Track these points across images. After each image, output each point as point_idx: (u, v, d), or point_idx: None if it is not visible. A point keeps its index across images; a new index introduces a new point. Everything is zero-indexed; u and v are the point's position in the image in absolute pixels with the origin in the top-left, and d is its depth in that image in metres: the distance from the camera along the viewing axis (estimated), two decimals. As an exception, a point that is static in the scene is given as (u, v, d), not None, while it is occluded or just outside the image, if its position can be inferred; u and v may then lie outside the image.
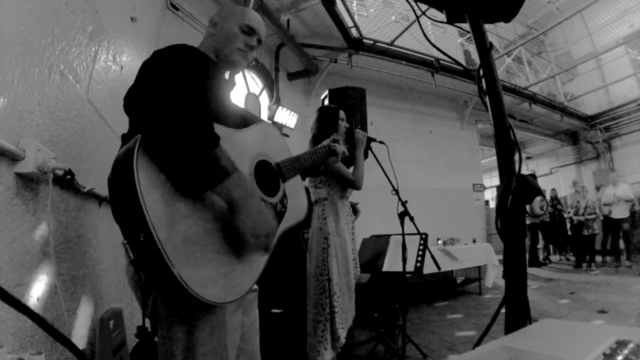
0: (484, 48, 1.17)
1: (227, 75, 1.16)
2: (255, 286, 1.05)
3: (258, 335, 1.14)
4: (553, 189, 7.95)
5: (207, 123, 0.82)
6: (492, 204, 8.74)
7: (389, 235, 3.08)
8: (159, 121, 0.77)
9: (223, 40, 1.11)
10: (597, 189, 7.37)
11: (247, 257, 0.92)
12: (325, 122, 2.04)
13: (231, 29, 1.11)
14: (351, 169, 2.08)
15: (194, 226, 0.81)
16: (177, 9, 3.10)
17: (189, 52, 0.95)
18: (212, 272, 0.81)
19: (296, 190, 1.19)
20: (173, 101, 0.78)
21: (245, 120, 1.13)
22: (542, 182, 7.71)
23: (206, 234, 0.83)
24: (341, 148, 1.52)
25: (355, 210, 2.37)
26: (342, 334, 1.90)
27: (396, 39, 5.25)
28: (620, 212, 6.55)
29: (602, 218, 6.80)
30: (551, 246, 8.29)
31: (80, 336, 1.22)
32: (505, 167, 1.11)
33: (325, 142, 1.52)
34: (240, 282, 0.88)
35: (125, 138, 0.91)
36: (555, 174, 9.98)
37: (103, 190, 1.40)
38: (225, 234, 0.88)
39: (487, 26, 1.23)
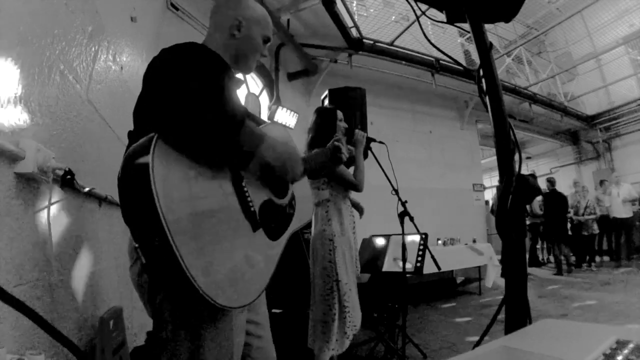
0: (484, 48, 1.17)
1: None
2: None
3: (270, 335, 1.14)
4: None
5: (231, 108, 0.83)
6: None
7: (389, 235, 3.08)
8: (184, 117, 0.76)
9: (249, 49, 1.10)
10: (601, 183, 7.35)
11: (261, 258, 0.92)
12: (323, 124, 2.04)
13: (257, 39, 1.11)
14: (351, 170, 2.08)
15: (211, 229, 0.80)
16: (177, 9, 3.10)
17: (199, 49, 0.95)
18: (227, 276, 0.81)
19: (303, 192, 1.19)
20: (195, 96, 0.77)
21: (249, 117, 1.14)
22: (542, 182, 7.70)
23: (223, 236, 0.82)
24: (345, 153, 1.50)
25: (358, 208, 2.38)
26: (351, 332, 1.92)
27: (396, 39, 5.25)
28: (625, 212, 6.55)
29: (599, 217, 6.80)
30: (549, 246, 8.29)
31: (80, 336, 1.22)
32: (505, 167, 1.12)
33: (329, 146, 1.50)
34: (253, 285, 0.88)
35: (132, 136, 0.91)
36: (555, 174, 9.97)
37: (103, 190, 1.40)
38: (243, 234, 0.88)
39: (487, 26, 1.24)
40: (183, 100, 0.77)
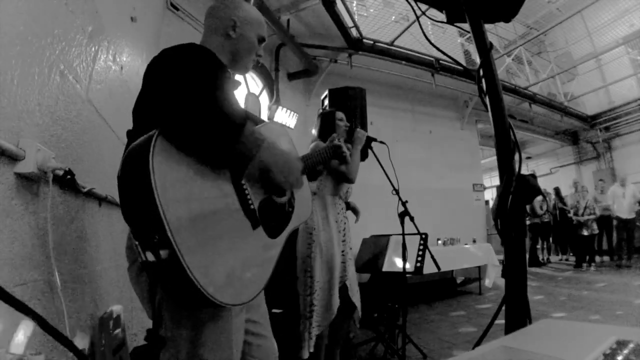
0: (484, 48, 1.17)
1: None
2: None
3: (271, 333, 1.14)
4: (555, 188, 7.89)
5: (232, 112, 0.83)
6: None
7: (389, 235, 3.08)
8: (185, 118, 0.76)
9: (245, 48, 1.11)
10: (602, 180, 7.36)
11: (261, 255, 0.92)
12: (322, 127, 2.08)
13: (252, 39, 1.12)
14: None
15: (210, 226, 0.80)
16: (177, 9, 3.10)
17: (198, 50, 0.96)
18: (227, 273, 0.81)
19: (302, 190, 1.19)
20: (196, 96, 0.78)
21: (248, 119, 1.14)
22: (542, 182, 7.70)
23: (223, 233, 0.82)
24: (347, 152, 1.51)
25: (355, 211, 2.37)
26: (315, 332, 1.87)
27: (396, 39, 5.25)
28: (628, 212, 6.56)
29: (598, 217, 6.81)
30: (554, 246, 8.29)
31: (80, 336, 1.22)
32: (505, 167, 1.11)
33: (328, 145, 1.51)
34: (253, 283, 0.88)
35: (131, 135, 0.91)
36: (555, 174, 9.98)
37: (103, 190, 1.40)
38: (243, 231, 0.88)
39: (487, 26, 1.24)
40: (183, 101, 0.77)
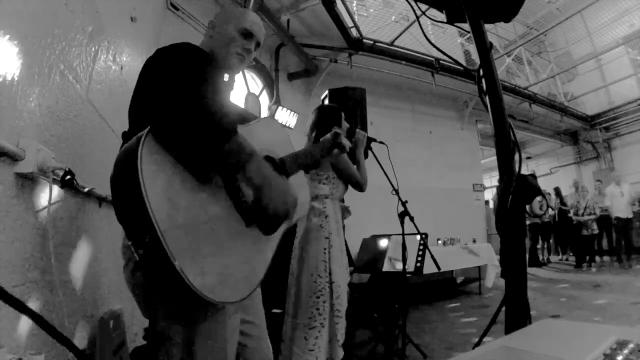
0: (484, 48, 1.17)
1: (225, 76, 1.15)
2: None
3: (267, 334, 1.14)
4: (556, 188, 7.89)
5: (221, 115, 0.82)
6: (492, 204, 8.72)
7: (389, 235, 3.08)
8: (175, 119, 0.76)
9: (220, 43, 1.11)
10: (599, 181, 7.36)
11: (254, 253, 0.92)
12: (326, 121, 1.97)
13: (229, 32, 1.11)
14: None
15: (202, 225, 0.80)
16: (177, 9, 3.10)
17: (192, 50, 0.96)
18: (219, 272, 0.81)
19: (299, 186, 1.19)
20: (188, 97, 0.77)
21: (244, 119, 1.14)
22: (542, 182, 7.69)
23: (215, 231, 0.82)
24: (347, 141, 1.48)
25: (346, 211, 2.34)
26: (342, 339, 1.81)
27: (396, 39, 5.25)
28: (627, 212, 6.55)
29: (598, 217, 6.81)
30: (554, 246, 8.29)
31: (80, 336, 1.22)
32: (505, 167, 1.12)
33: (328, 136, 1.46)
34: (246, 281, 0.88)
35: (126, 136, 0.91)
36: (555, 174, 9.97)
37: (103, 190, 1.40)
38: (235, 229, 0.87)
39: (487, 26, 1.23)
40: (168, 100, 0.77)
